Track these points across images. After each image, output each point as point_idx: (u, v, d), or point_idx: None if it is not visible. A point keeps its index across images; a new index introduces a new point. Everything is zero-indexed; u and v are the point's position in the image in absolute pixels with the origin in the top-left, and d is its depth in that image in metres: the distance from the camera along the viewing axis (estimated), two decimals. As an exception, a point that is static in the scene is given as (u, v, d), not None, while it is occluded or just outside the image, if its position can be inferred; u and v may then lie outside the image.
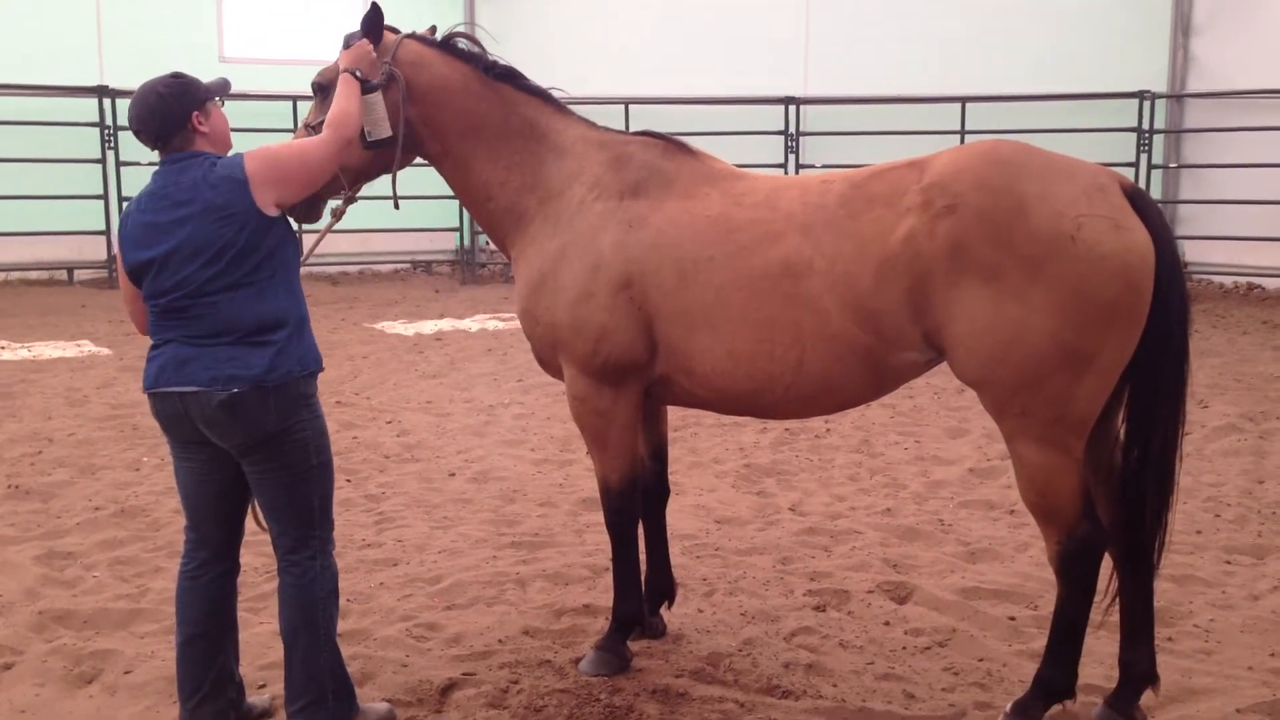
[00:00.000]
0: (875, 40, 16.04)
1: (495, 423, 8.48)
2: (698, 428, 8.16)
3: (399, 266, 17.61)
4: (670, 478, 5.00)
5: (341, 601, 4.86)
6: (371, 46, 4.19)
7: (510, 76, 4.44)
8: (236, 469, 3.75)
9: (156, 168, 3.72)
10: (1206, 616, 4.87)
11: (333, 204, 4.42)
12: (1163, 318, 3.56)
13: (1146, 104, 15.18)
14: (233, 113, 4.00)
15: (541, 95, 4.46)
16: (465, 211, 16.54)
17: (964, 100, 15.41)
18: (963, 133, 15.37)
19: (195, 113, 3.66)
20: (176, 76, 3.72)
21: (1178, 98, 15.50)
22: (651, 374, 4.19)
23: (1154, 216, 3.58)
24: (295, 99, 15.10)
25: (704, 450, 7.64)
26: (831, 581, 5.29)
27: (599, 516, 5.71)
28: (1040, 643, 4.52)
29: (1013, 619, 4.85)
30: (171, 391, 3.63)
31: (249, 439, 3.63)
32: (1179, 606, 4.95)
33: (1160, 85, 15.41)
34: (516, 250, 4.41)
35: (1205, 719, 4.01)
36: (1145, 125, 15.21)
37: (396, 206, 4.60)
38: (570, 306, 4.15)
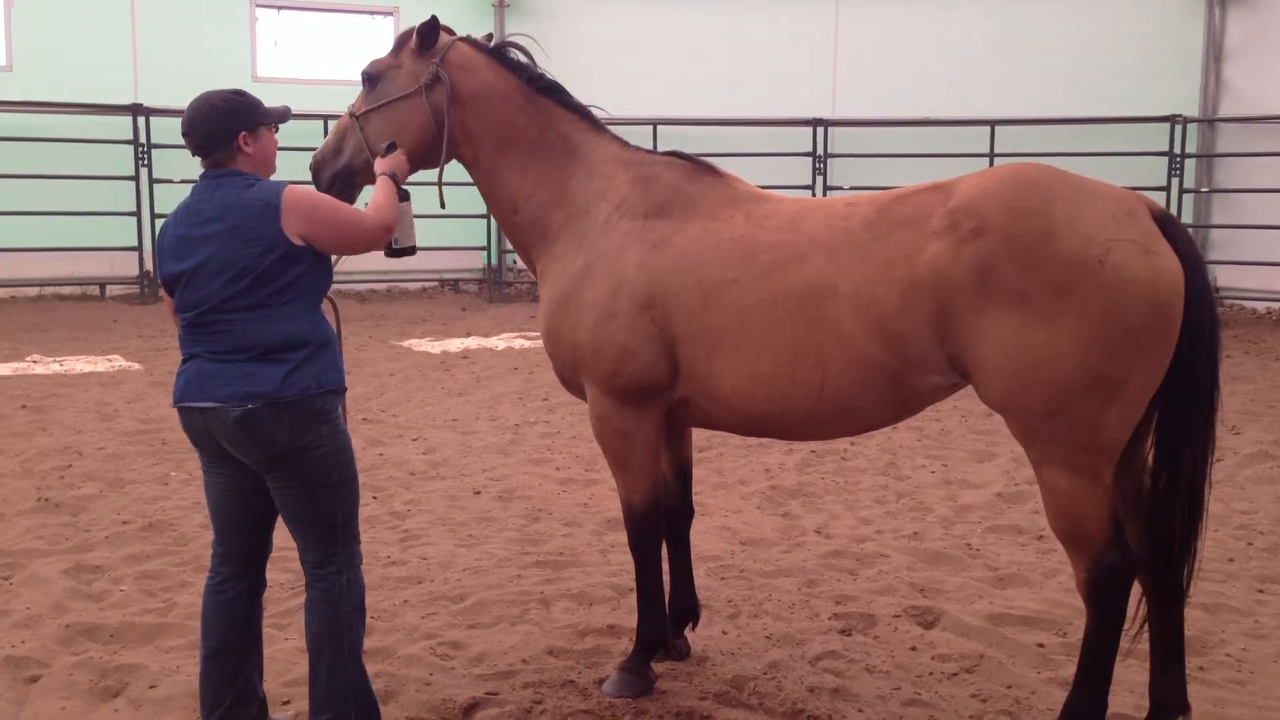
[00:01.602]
0: (904, 63, 16.02)
1: (520, 441, 8.49)
2: (723, 449, 8.14)
3: (427, 284, 17.69)
4: (695, 499, 4.99)
5: (366, 619, 4.87)
6: (404, 158, 4.21)
7: (554, 91, 4.47)
8: (263, 485, 3.77)
9: (196, 181, 3.76)
10: (1239, 646, 4.80)
11: None
12: (1193, 344, 3.52)
13: (1178, 128, 15.09)
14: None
15: (581, 112, 4.49)
16: (493, 230, 16.74)
17: (993, 123, 15.37)
18: (991, 155, 15.32)
19: (244, 133, 3.69)
20: (239, 94, 3.74)
21: (1210, 122, 15.40)
22: (673, 395, 4.19)
23: (1183, 241, 3.54)
24: (326, 118, 15.22)
25: (729, 471, 7.62)
26: (857, 605, 5.25)
27: (623, 537, 5.70)
28: (1069, 670, 4.48)
29: (1042, 646, 4.80)
30: (195, 407, 3.66)
31: (266, 455, 3.64)
32: (1211, 635, 4.89)
33: (1192, 109, 15.32)
34: (541, 266, 4.43)
35: (1237, 750, 3.96)
36: (1177, 149, 15.11)
37: (442, 205, 4.62)
38: (593, 326, 4.15)
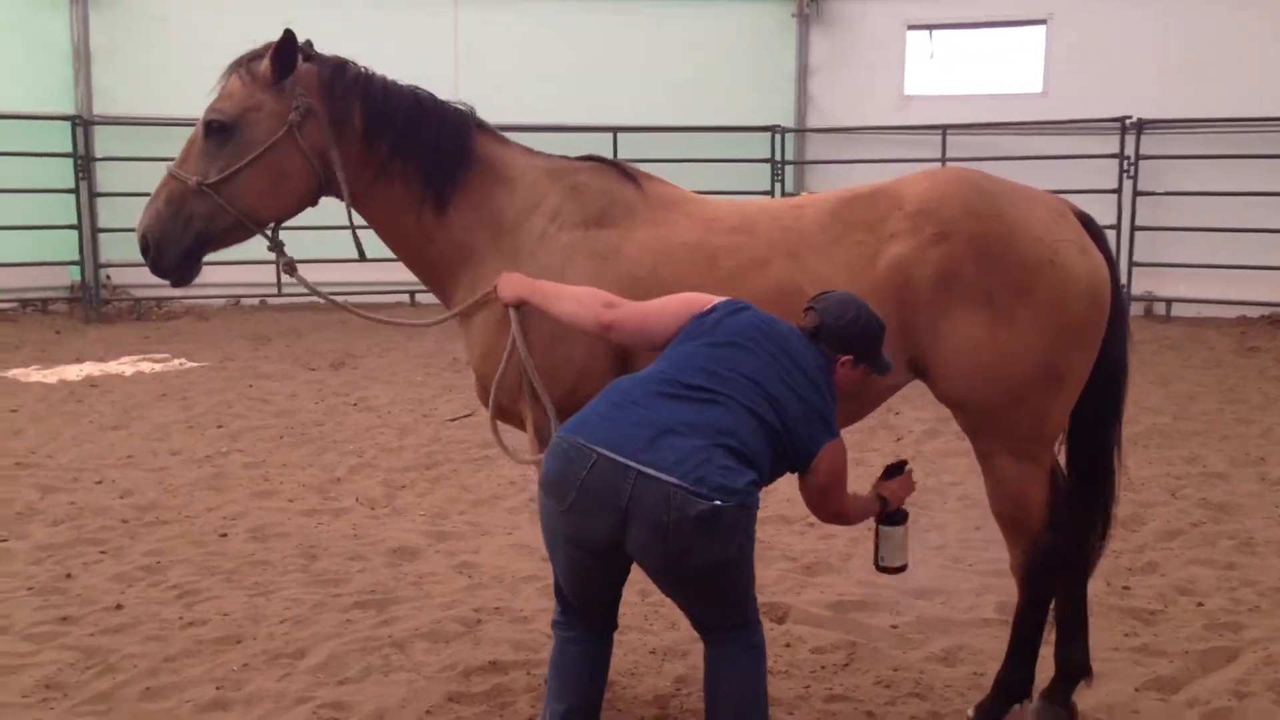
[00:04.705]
0: (529, 71, 16.20)
1: (226, 474, 7.65)
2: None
3: (6, 306, 15.45)
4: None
5: (214, 692, 4.27)
6: (913, 482, 3.84)
7: (438, 102, 4.07)
8: (626, 557, 3.23)
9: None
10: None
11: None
12: (1113, 333, 3.85)
13: (778, 137, 16.40)
14: None
15: (477, 121, 4.12)
16: (84, 242, 14.94)
17: (615, 130, 15.89)
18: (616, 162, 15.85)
19: (851, 356, 3.47)
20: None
21: (803, 132, 16.91)
22: None
23: (1103, 241, 3.87)
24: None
25: (477, 488, 7.34)
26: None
27: (427, 565, 5.44)
28: (937, 646, 4.79)
29: (895, 627, 5.03)
30: (628, 465, 3.03)
31: (699, 558, 3.06)
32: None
33: (789, 120, 16.74)
34: (466, 291, 4.01)
35: (1111, 702, 4.35)
36: (778, 156, 16.42)
37: (362, 256, 4.12)
38: (544, 349, 3.83)
